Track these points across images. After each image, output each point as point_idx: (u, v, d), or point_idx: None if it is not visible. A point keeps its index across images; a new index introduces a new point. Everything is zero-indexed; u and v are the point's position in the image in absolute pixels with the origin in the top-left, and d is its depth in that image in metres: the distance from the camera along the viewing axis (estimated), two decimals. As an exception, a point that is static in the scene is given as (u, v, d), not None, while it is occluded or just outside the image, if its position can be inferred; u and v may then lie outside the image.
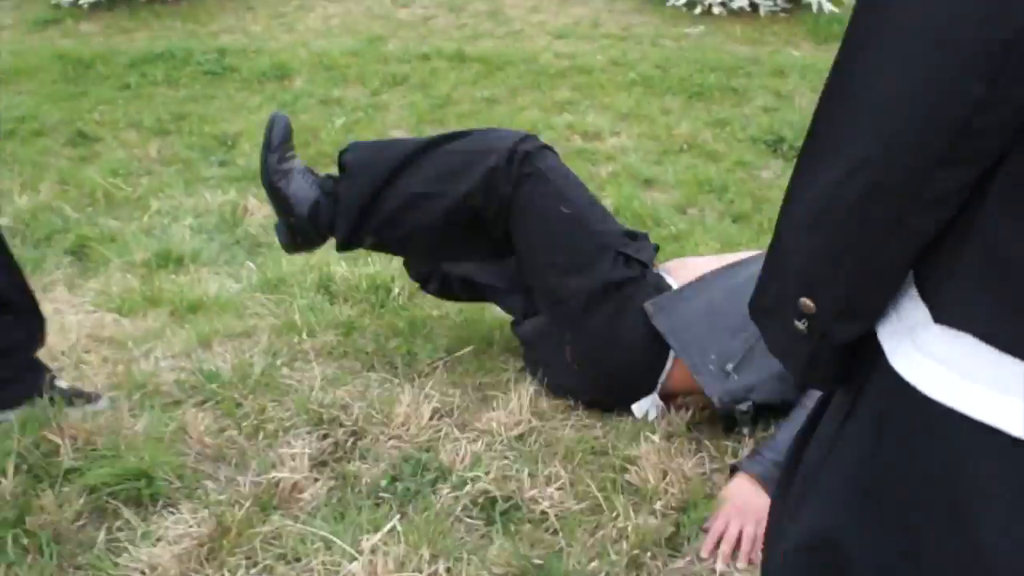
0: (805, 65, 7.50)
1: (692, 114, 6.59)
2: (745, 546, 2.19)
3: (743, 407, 2.46)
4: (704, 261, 2.87)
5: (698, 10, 8.70)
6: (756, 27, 8.51)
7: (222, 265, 4.22)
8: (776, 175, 5.85)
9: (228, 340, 3.18)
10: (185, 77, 7.04)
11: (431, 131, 6.06)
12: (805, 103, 6.91)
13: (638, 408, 2.64)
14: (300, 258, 3.99)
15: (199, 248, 4.42)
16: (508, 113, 6.43)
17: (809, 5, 8.72)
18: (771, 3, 8.65)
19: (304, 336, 3.11)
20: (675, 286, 2.64)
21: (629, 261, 2.61)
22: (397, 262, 3.56)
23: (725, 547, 2.18)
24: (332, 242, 2.94)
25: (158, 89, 6.86)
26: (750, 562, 2.16)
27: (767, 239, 1.00)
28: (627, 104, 6.67)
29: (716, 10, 8.63)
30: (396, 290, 3.41)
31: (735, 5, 8.58)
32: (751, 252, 2.92)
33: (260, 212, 4.94)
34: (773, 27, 8.53)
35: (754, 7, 8.70)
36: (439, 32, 8.18)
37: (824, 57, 7.80)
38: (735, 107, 6.79)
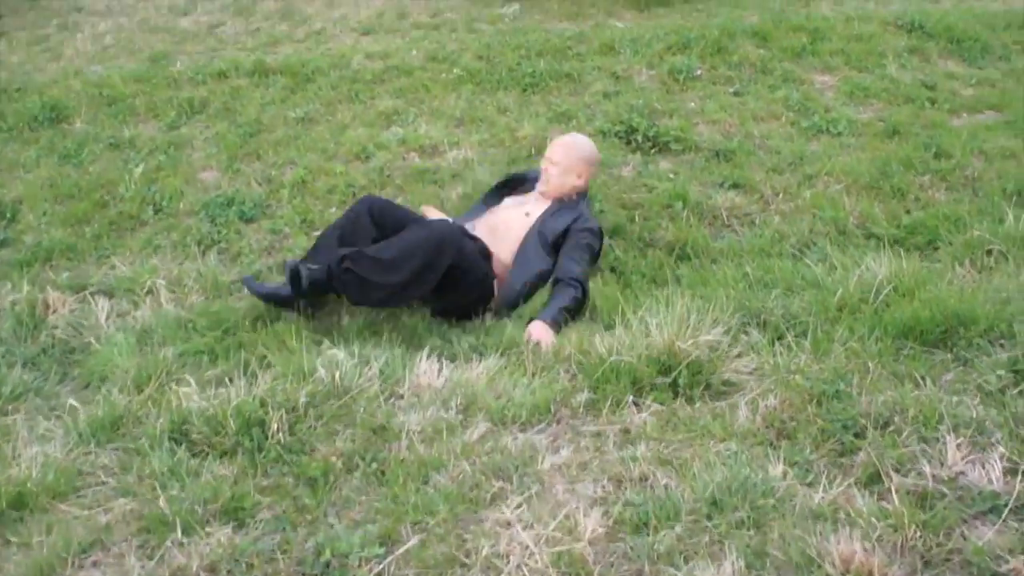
0: (634, 38, 7.03)
1: (531, 110, 6.03)
2: (544, 348, 3.48)
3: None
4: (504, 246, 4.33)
5: (508, -13, 8.14)
6: None
7: (33, 399, 3.38)
8: (637, 172, 5.37)
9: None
10: (-62, 131, 5.93)
11: (246, 168, 5.30)
12: (645, 82, 6.46)
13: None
14: (139, 383, 3.24)
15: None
16: (330, 134, 5.69)
17: (619, -29, 8.28)
18: (582, -28, 8.16)
19: (180, 535, 2.31)
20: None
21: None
22: (259, 387, 2.86)
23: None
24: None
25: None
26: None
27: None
28: (459, 106, 6.05)
29: (527, -14, 8.08)
30: (274, 424, 2.70)
31: (546, -21, 8.05)
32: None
33: (64, 306, 4.08)
34: (589, -2, 8.05)
35: (566, -21, 8.19)
36: (230, 41, 7.26)
37: (650, 25, 7.39)
38: (574, 96, 6.27)
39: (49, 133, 5.79)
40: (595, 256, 4.36)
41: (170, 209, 4.94)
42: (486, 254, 4.24)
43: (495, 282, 4.23)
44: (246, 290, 4.09)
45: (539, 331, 3.70)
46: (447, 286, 3.93)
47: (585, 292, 4.04)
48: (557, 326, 3.78)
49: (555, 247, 4.24)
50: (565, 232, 4.28)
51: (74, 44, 7.25)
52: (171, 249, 4.60)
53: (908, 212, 5.01)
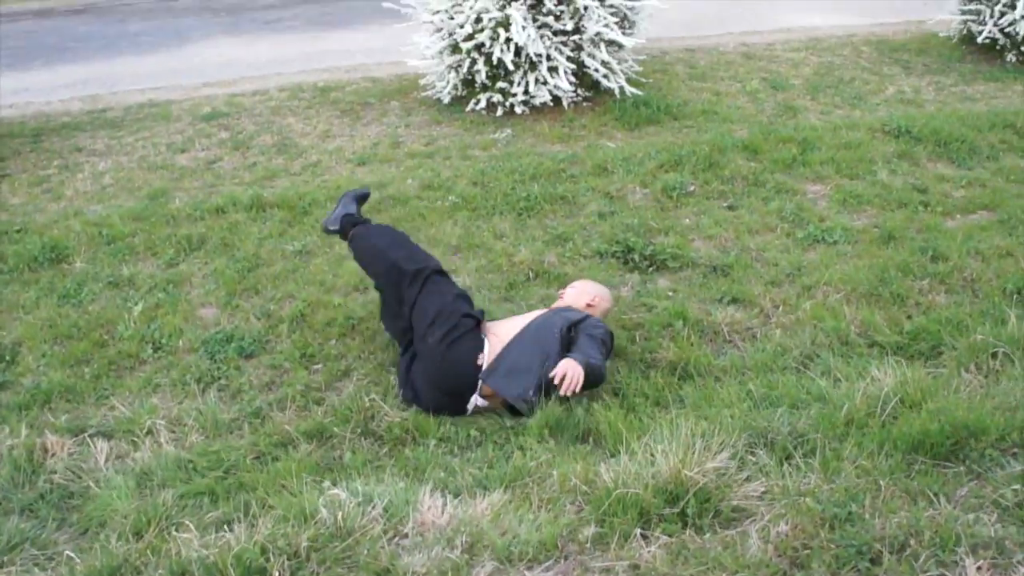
0: (626, 157, 7.13)
1: (528, 233, 6.07)
2: (573, 380, 4.01)
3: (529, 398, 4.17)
4: (510, 324, 4.54)
5: (499, 112, 8.25)
6: (563, 121, 8.12)
7: (30, 549, 3.30)
8: (636, 292, 5.38)
9: None
10: (-62, 274, 5.95)
11: (245, 304, 5.32)
12: (639, 201, 6.52)
13: (470, 405, 4.32)
14: (138, 528, 3.18)
15: (-5, 521, 3.49)
16: (328, 267, 5.71)
17: (611, 91, 8.42)
18: (573, 93, 8.29)
19: None
20: (488, 346, 4.39)
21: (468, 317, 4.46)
22: (260, 532, 2.79)
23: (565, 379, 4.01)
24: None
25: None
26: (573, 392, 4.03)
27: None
28: (455, 233, 6.08)
29: (519, 109, 8.19)
30: (275, 572, 2.63)
31: (537, 101, 8.17)
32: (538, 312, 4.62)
33: (62, 450, 4.04)
34: (580, 119, 8.17)
35: (556, 100, 8.32)
36: (228, 176, 7.35)
37: (640, 144, 7.49)
38: (569, 217, 6.32)
39: (49, 274, 5.81)
40: (608, 353, 4.39)
41: (169, 347, 4.93)
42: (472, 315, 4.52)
43: (486, 340, 4.40)
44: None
45: (570, 365, 4.02)
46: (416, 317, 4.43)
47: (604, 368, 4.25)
48: (587, 366, 4.05)
49: (565, 335, 4.30)
50: (576, 323, 4.36)
51: (74, 184, 7.34)
52: (171, 388, 4.57)
53: (909, 318, 5.00)
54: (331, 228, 5.02)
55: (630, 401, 4.22)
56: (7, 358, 4.92)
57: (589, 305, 4.67)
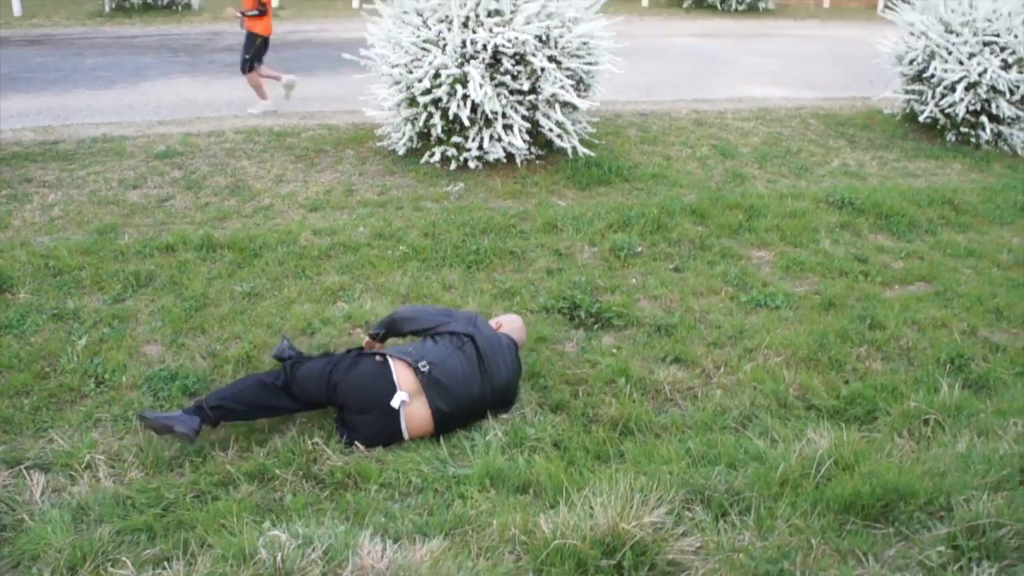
0: (576, 216, 7.25)
1: (476, 286, 6.13)
2: None
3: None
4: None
5: (454, 166, 8.35)
6: (516, 178, 8.24)
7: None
8: (580, 348, 5.45)
9: None
10: None
11: (191, 343, 5.30)
12: (587, 258, 6.62)
13: (396, 403, 4.38)
14: (72, 563, 3.14)
15: (-82, 553, 3.43)
16: (276, 309, 5.72)
17: (564, 151, 8.56)
18: (527, 151, 8.43)
19: None
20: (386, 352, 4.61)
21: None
22: (199, 571, 2.78)
23: None
24: None
25: None
26: None
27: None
28: (404, 283, 6.13)
29: (472, 164, 8.30)
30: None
31: (491, 157, 8.29)
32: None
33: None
34: (533, 176, 8.29)
35: (510, 157, 8.45)
36: (179, 215, 7.34)
37: (591, 203, 7.61)
38: (518, 272, 6.40)
39: (-8, 305, 5.75)
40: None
41: (112, 382, 4.89)
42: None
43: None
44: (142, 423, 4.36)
45: None
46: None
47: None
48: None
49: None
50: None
51: (22, 215, 7.27)
52: (112, 423, 4.52)
53: (846, 383, 5.12)
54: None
55: (571, 454, 4.26)
56: (-56, 386, 4.86)
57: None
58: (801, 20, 21.07)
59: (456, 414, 4.47)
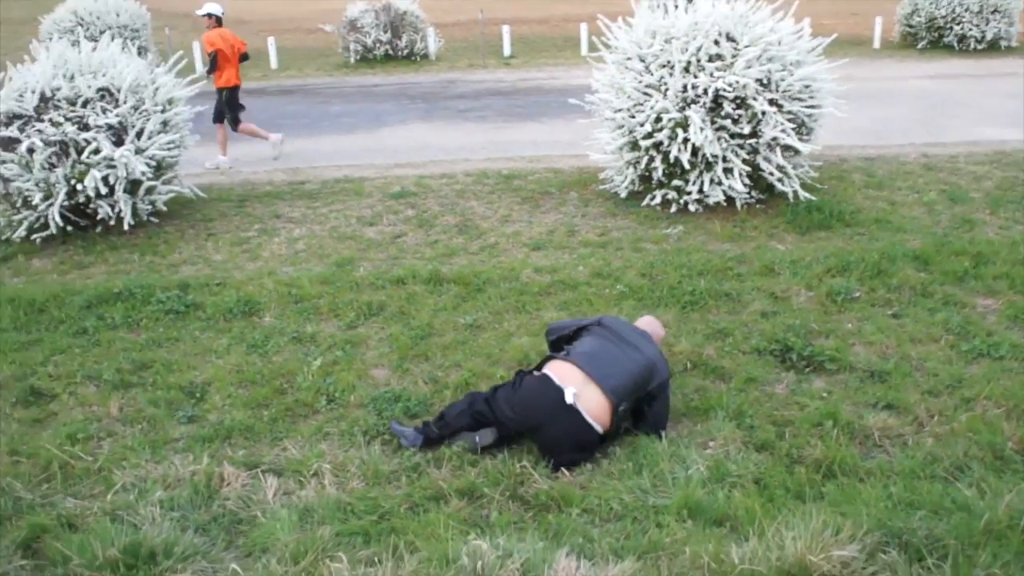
0: (794, 260, 7.23)
1: (689, 326, 6.23)
2: None
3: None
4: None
5: (674, 208, 8.49)
6: (735, 221, 8.29)
7: (200, 562, 3.68)
8: (790, 390, 5.45)
9: None
10: (146, 318, 6.59)
11: (415, 368, 5.66)
12: (803, 303, 6.60)
13: (568, 396, 4.62)
14: (296, 556, 3.49)
15: (172, 539, 3.88)
16: (496, 341, 6.03)
17: (784, 194, 8.54)
18: (747, 195, 8.46)
19: None
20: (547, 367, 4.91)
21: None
22: (405, 569, 3.05)
23: None
24: None
25: (117, 333, 6.39)
26: None
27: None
28: (619, 319, 6.31)
29: (692, 207, 8.42)
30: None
31: (711, 201, 8.38)
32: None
33: (237, 481, 4.45)
34: (752, 220, 8.31)
35: (730, 201, 8.51)
36: (411, 250, 7.84)
37: (810, 248, 7.56)
38: (732, 314, 6.45)
39: (241, 324, 6.39)
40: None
41: (342, 400, 5.33)
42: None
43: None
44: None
45: None
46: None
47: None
48: None
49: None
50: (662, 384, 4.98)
51: (271, 247, 7.99)
52: (339, 437, 4.94)
53: (1072, 438, 4.89)
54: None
55: (771, 492, 4.29)
56: (198, 395, 5.47)
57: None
58: (1048, 58, 19.96)
59: (626, 385, 4.73)
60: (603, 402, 4.66)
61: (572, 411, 4.61)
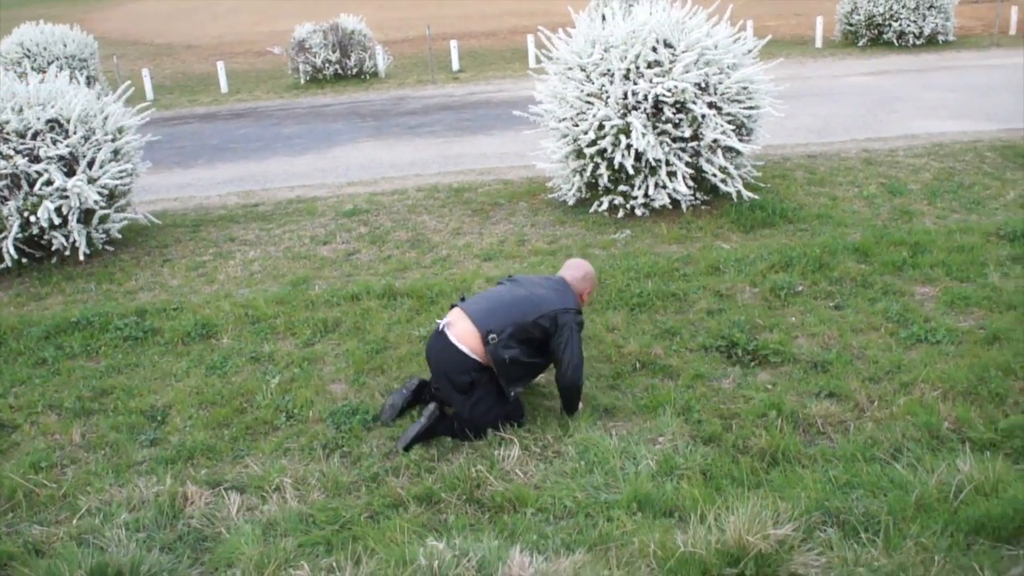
0: (738, 258, 7.43)
1: (638, 327, 6.39)
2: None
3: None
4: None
5: (621, 214, 8.67)
6: (681, 223, 8.48)
7: (168, 580, 3.79)
8: (736, 384, 5.62)
9: None
10: (104, 345, 6.66)
11: (371, 382, 5.78)
12: (748, 299, 6.79)
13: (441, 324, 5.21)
14: (260, 568, 3.60)
15: (138, 559, 3.98)
16: (450, 350, 6.16)
17: (728, 195, 8.75)
18: (691, 197, 8.66)
19: None
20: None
21: None
22: (362, 571, 3.17)
23: None
24: None
25: (77, 362, 6.46)
26: None
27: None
28: (569, 324, 6.45)
29: (639, 211, 8.61)
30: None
31: (657, 204, 8.57)
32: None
33: (200, 499, 4.56)
34: (697, 221, 8.51)
35: (675, 203, 8.71)
36: (364, 267, 7.96)
37: (754, 246, 7.76)
38: (679, 313, 6.62)
39: (199, 347, 6.48)
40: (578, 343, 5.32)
41: (301, 416, 5.43)
42: None
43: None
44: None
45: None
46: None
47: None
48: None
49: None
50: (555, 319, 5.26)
51: (226, 270, 8.09)
52: (299, 452, 5.05)
53: (1006, 415, 5.08)
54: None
55: (718, 482, 4.45)
56: (159, 418, 5.56)
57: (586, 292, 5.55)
58: (983, 50, 20.40)
59: (495, 311, 5.13)
60: (471, 329, 5.07)
61: (442, 336, 5.12)
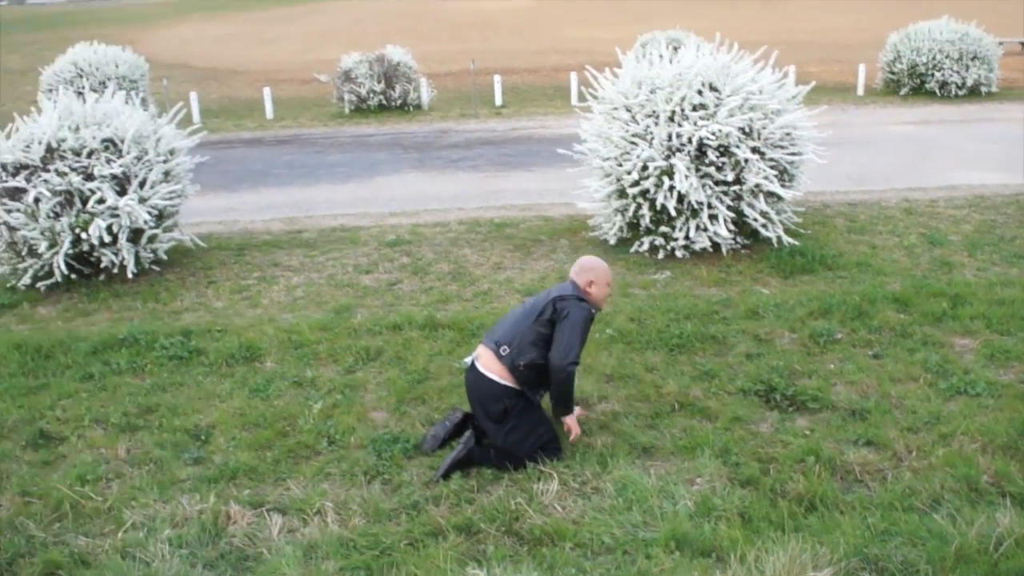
0: (778, 303, 7.47)
1: (677, 368, 6.44)
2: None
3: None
4: None
5: (661, 255, 8.74)
6: (720, 267, 8.53)
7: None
8: (774, 428, 5.66)
9: None
10: (150, 363, 6.80)
11: (412, 411, 5.86)
12: (787, 344, 6.82)
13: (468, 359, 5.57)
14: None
15: (182, 574, 4.09)
16: (490, 383, 6.23)
17: (768, 240, 8.80)
18: (732, 241, 8.72)
19: None
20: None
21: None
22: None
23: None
24: None
25: (123, 378, 6.60)
26: None
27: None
28: (609, 363, 6.51)
29: (679, 253, 8.67)
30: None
31: (697, 246, 8.63)
32: None
33: (243, 519, 4.65)
34: (737, 265, 8.56)
35: (716, 246, 8.77)
36: (406, 297, 8.07)
37: (794, 292, 7.80)
38: (718, 356, 6.66)
39: (243, 370, 6.60)
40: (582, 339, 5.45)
41: (342, 442, 5.52)
42: None
43: None
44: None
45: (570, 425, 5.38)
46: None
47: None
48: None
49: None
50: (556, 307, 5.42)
51: (270, 295, 8.23)
52: (340, 477, 5.13)
53: (1047, 472, 5.09)
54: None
55: (755, 525, 4.48)
56: (203, 438, 5.67)
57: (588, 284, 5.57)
58: (1029, 103, 20.37)
59: (504, 330, 5.35)
60: (489, 353, 5.29)
61: (473, 369, 5.34)
